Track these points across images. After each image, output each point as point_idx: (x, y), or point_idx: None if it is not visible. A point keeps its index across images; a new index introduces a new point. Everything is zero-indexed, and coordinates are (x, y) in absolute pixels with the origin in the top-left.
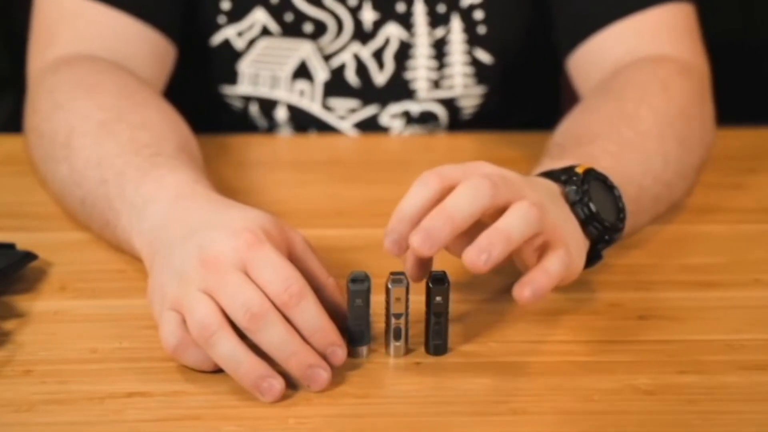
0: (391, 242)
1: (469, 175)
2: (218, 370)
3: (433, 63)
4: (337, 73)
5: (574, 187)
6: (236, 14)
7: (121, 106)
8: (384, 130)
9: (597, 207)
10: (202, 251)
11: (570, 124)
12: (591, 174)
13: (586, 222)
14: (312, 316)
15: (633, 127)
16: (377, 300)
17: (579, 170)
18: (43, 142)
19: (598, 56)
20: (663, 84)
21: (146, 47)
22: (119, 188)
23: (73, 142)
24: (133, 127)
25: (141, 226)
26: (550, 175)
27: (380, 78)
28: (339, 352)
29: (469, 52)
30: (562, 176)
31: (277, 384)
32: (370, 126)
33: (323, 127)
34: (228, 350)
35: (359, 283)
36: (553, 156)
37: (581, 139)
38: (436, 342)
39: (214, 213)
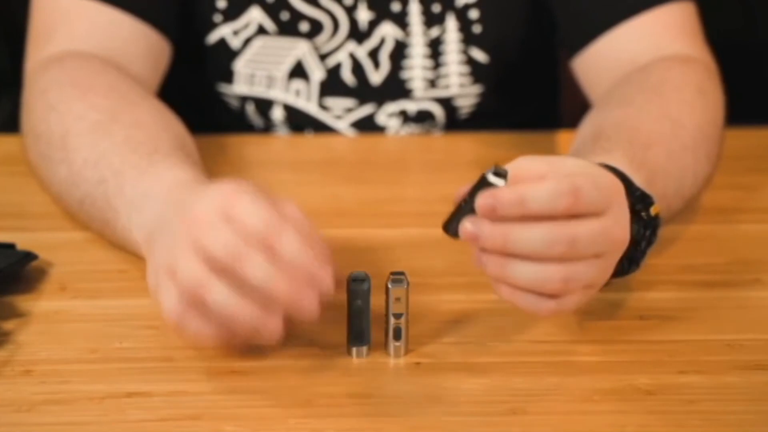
0: (488, 207)
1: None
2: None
3: (429, 62)
4: (333, 73)
5: (641, 229)
6: (232, 13)
7: (115, 106)
8: (381, 129)
9: (641, 250)
10: (185, 213)
11: (617, 117)
12: (657, 221)
13: (625, 257)
14: (295, 248)
15: (677, 137)
16: (377, 300)
17: (653, 211)
18: (40, 144)
19: (611, 56)
20: (699, 89)
21: (142, 45)
22: (118, 187)
23: (70, 144)
24: (129, 126)
25: (140, 220)
26: (627, 184)
27: (376, 77)
28: (327, 280)
29: (465, 51)
30: (637, 204)
31: (276, 323)
32: (366, 125)
33: (320, 127)
34: (223, 297)
35: (359, 283)
36: (606, 149)
37: (636, 139)
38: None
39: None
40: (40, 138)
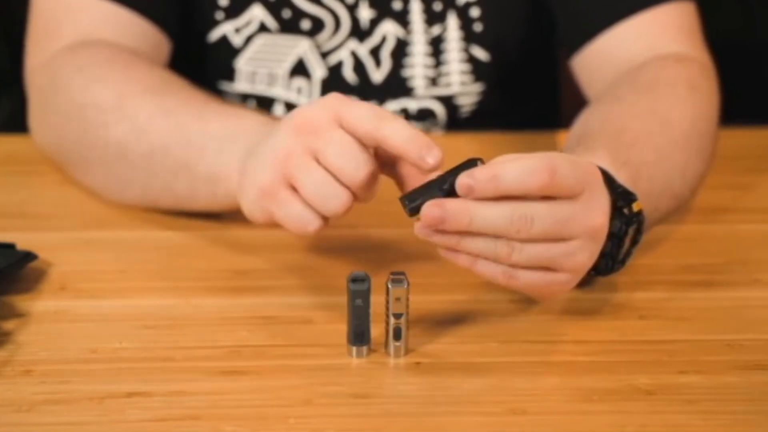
0: (466, 186)
1: (582, 193)
2: None
3: (430, 60)
4: (335, 71)
5: (622, 225)
6: (234, 10)
7: (162, 75)
8: None
9: (625, 249)
10: (293, 117)
11: (604, 115)
12: (639, 217)
13: (606, 254)
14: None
15: (665, 134)
16: (377, 300)
17: (635, 207)
18: (87, 112)
19: (609, 55)
20: (691, 86)
21: (143, 40)
22: (201, 128)
23: (127, 104)
24: (184, 89)
25: (234, 148)
26: (609, 181)
27: (377, 75)
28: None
29: (466, 50)
30: (619, 200)
31: None
32: None
33: None
34: (342, 201)
35: (359, 283)
36: (590, 147)
37: (620, 137)
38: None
39: None
40: (86, 107)
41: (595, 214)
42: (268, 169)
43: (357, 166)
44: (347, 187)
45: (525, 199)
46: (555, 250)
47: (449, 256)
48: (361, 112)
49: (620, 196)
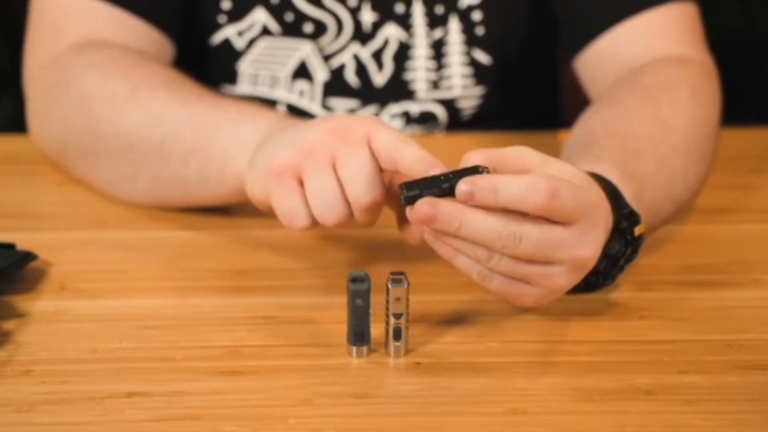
0: (466, 193)
1: (581, 217)
2: None
3: (432, 64)
4: (337, 74)
5: (621, 247)
6: (236, 14)
7: (174, 73)
8: None
9: (618, 266)
10: (330, 120)
11: (607, 121)
12: (639, 241)
13: (599, 272)
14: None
15: (668, 140)
16: (377, 300)
17: (637, 231)
18: (98, 105)
19: (611, 55)
20: (692, 88)
21: (146, 43)
22: (218, 113)
23: (142, 95)
24: (197, 85)
25: (251, 130)
26: (616, 199)
27: (379, 78)
28: None
29: (468, 53)
30: (623, 222)
31: None
32: None
33: None
34: (338, 213)
35: (359, 283)
36: (598, 156)
37: (626, 147)
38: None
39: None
40: (100, 99)
41: (586, 245)
42: (287, 151)
43: (366, 188)
44: (348, 204)
45: (519, 214)
46: (535, 269)
47: (435, 245)
48: (388, 135)
49: (625, 218)
